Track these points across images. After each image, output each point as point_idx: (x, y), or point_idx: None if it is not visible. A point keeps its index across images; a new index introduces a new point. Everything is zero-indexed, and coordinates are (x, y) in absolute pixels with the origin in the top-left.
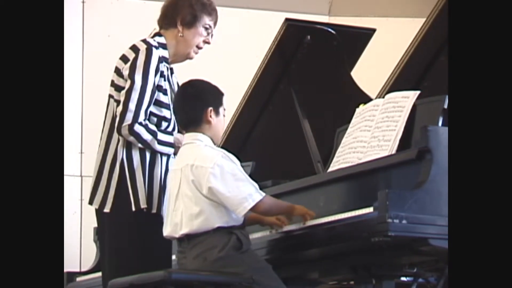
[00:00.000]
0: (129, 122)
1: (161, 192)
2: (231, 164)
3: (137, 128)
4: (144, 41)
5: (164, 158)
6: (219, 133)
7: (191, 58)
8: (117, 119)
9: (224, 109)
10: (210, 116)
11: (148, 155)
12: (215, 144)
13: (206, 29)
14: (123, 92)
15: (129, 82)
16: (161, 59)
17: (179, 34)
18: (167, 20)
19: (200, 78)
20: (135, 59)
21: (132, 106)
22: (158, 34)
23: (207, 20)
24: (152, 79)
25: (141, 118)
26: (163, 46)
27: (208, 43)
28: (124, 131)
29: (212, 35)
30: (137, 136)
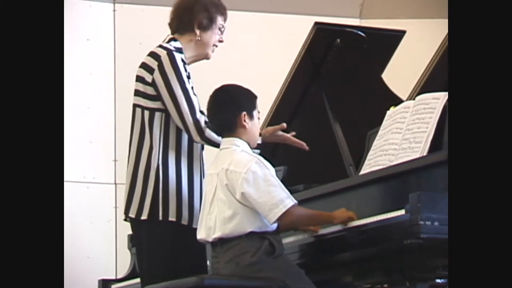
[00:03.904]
0: (196, 132)
1: (194, 204)
2: (264, 170)
3: (208, 133)
4: (162, 47)
5: (200, 169)
6: (254, 137)
7: (208, 58)
8: (187, 132)
9: (259, 112)
10: (245, 121)
11: (185, 165)
12: (251, 147)
13: (220, 28)
14: (171, 106)
15: (168, 92)
16: (183, 62)
17: (197, 38)
18: (182, 25)
19: (233, 83)
20: (161, 67)
21: (187, 116)
22: (173, 39)
23: (220, 20)
24: (187, 81)
25: (202, 120)
26: (180, 50)
27: (222, 41)
28: (199, 140)
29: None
30: (210, 142)
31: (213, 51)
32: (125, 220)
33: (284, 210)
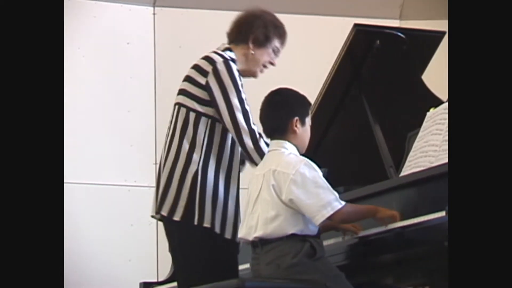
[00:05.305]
0: (251, 140)
1: (227, 215)
2: (313, 171)
3: (262, 144)
4: (218, 53)
5: (237, 181)
6: (304, 143)
7: (255, 77)
8: (239, 140)
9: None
10: (296, 126)
11: (223, 174)
12: (300, 153)
13: (274, 51)
14: (225, 113)
15: (225, 99)
16: (238, 72)
17: (250, 52)
18: (240, 36)
19: (287, 86)
20: (217, 73)
21: (241, 124)
22: (228, 49)
23: (277, 42)
24: (242, 91)
25: (256, 130)
26: (234, 61)
27: (273, 64)
28: (253, 149)
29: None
30: (262, 153)
31: (261, 71)
32: (153, 217)
33: (331, 212)
